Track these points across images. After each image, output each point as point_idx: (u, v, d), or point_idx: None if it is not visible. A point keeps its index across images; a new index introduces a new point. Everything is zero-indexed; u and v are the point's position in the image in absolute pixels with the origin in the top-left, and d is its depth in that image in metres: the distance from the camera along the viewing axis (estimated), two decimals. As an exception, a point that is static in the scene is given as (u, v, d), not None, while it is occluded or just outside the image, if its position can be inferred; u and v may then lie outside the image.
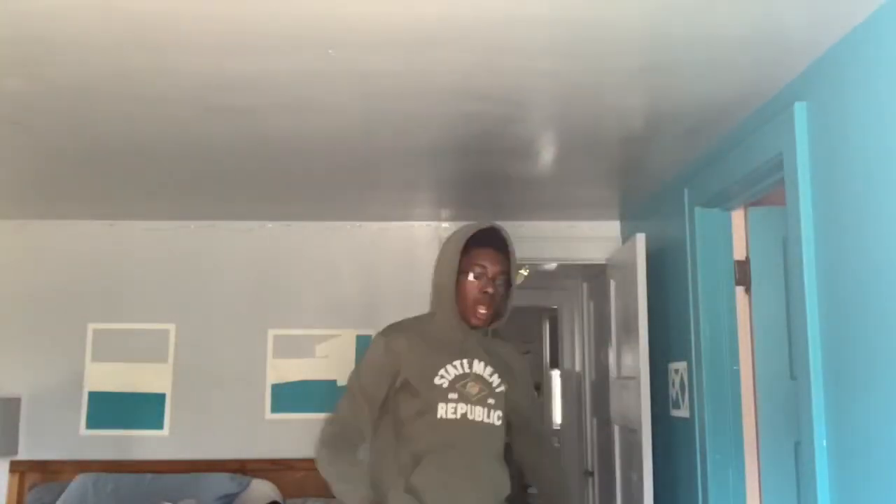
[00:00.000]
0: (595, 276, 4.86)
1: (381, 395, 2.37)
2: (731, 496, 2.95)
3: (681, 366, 3.30)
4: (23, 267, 4.48)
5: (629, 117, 2.80)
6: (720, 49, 2.19)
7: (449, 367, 2.34)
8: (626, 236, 4.18)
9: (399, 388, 2.35)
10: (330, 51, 2.21)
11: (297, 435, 4.31)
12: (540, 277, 5.98)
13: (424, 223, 4.55)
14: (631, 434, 3.64)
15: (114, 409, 4.38)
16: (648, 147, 3.14)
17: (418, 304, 4.52)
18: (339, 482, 2.34)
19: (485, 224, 2.39)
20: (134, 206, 4.24)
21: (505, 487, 2.39)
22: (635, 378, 3.53)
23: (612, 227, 4.49)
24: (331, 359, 4.43)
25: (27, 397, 4.36)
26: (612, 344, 4.08)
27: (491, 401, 2.35)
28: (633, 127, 2.90)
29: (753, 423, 2.95)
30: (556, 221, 4.45)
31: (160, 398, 4.39)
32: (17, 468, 4.29)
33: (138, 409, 4.37)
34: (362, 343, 4.43)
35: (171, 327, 4.45)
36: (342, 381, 4.40)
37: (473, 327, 2.38)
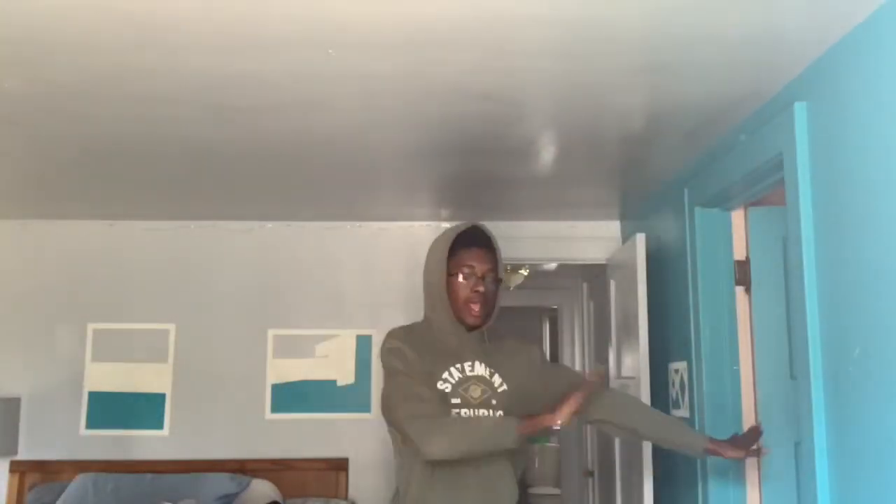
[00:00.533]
0: (595, 276, 4.87)
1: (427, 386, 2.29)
2: (731, 496, 2.95)
3: (681, 366, 3.30)
4: (23, 267, 4.48)
5: (629, 117, 2.80)
6: (720, 49, 2.19)
7: (452, 370, 2.33)
8: (626, 236, 4.18)
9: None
10: (330, 51, 2.21)
11: (297, 435, 4.32)
12: (540, 277, 5.99)
13: (424, 223, 4.55)
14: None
15: (114, 409, 4.38)
16: (648, 147, 3.14)
17: (418, 304, 4.52)
18: (476, 433, 2.24)
19: (466, 224, 2.41)
20: (134, 206, 4.24)
21: (515, 492, 2.36)
22: (635, 378, 3.53)
23: (612, 227, 4.49)
24: (331, 359, 4.43)
25: (27, 397, 4.36)
26: (612, 344, 4.08)
27: (493, 402, 2.33)
28: (633, 127, 2.90)
29: (753, 424, 2.95)
30: (556, 221, 4.45)
31: (160, 398, 4.39)
32: (17, 468, 4.29)
33: (138, 409, 4.38)
34: (362, 343, 4.43)
35: (171, 327, 4.45)
36: (342, 381, 4.41)
37: (470, 328, 2.38)
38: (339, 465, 4.31)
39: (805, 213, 2.26)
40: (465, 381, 2.33)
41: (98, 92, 2.53)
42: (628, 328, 3.70)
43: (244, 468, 4.23)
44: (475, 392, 2.32)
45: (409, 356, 2.33)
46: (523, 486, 4.60)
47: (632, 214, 4.24)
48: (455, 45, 2.17)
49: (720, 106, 2.63)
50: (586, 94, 2.54)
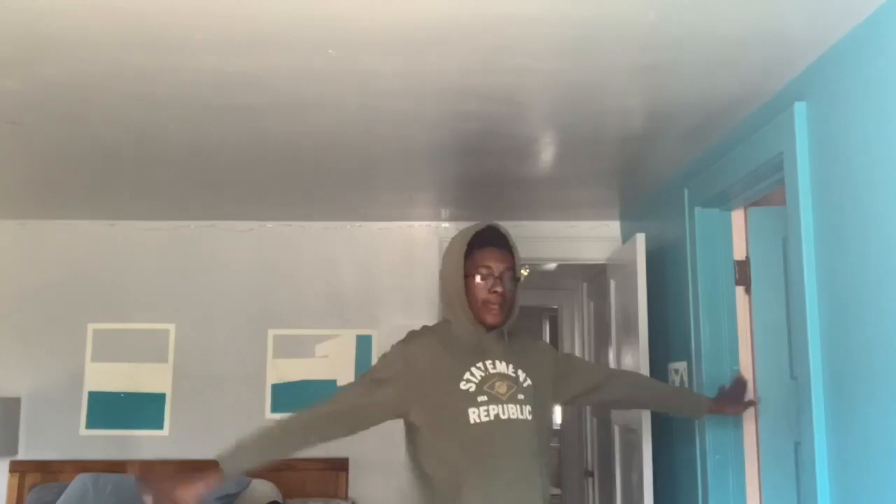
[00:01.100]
0: (595, 276, 4.87)
1: (382, 395, 2.33)
2: (731, 496, 2.95)
3: (681, 366, 3.30)
4: (23, 267, 4.48)
5: (629, 117, 2.80)
6: (720, 49, 2.19)
7: (473, 369, 2.31)
8: (626, 236, 4.18)
9: (416, 413, 2.31)
10: (330, 51, 2.21)
11: (297, 435, 4.31)
12: (540, 277, 5.98)
13: (424, 223, 4.55)
14: (631, 434, 3.64)
15: (114, 409, 4.38)
16: (648, 147, 3.14)
17: (418, 304, 4.54)
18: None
19: (482, 224, 2.39)
20: (134, 206, 4.24)
21: (548, 489, 2.35)
22: (635, 378, 3.53)
23: (612, 227, 4.49)
24: (331, 359, 4.43)
25: (27, 397, 4.36)
26: (612, 344, 4.08)
27: (521, 396, 2.32)
28: (633, 127, 2.90)
29: (753, 424, 2.95)
30: (556, 221, 4.45)
31: (160, 398, 4.39)
32: (17, 468, 4.29)
33: (138, 409, 4.38)
34: (362, 343, 4.43)
35: (171, 327, 4.46)
36: (342, 381, 4.40)
37: (490, 328, 2.36)
38: (339, 465, 4.31)
39: (805, 213, 2.26)
40: (490, 378, 2.31)
41: (98, 92, 2.53)
42: (628, 328, 3.70)
43: (244, 468, 4.22)
44: (501, 388, 2.30)
45: (412, 359, 2.33)
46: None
47: (632, 214, 4.24)
48: (455, 45, 2.17)
49: (720, 105, 2.63)
50: (586, 94, 2.54)
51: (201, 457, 4.28)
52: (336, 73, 2.38)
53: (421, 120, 2.80)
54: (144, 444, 4.35)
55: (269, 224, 4.56)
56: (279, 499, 4.09)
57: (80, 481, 4.04)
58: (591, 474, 5.08)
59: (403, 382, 2.31)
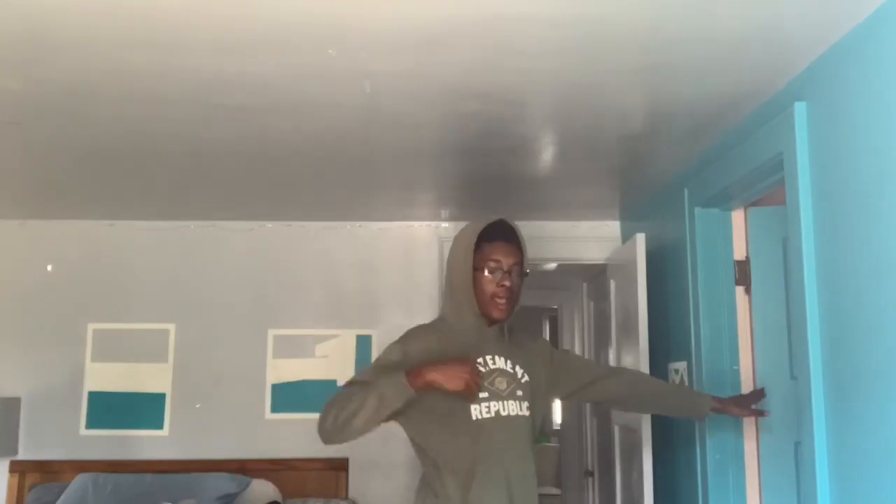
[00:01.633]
0: (595, 276, 4.87)
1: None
2: (731, 496, 2.95)
3: (681, 366, 3.30)
4: (23, 267, 4.48)
5: (629, 117, 2.80)
6: (720, 49, 2.19)
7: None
8: (626, 236, 4.18)
9: (417, 408, 2.27)
10: (330, 51, 2.21)
11: (297, 435, 4.31)
12: (540, 277, 5.98)
13: (424, 223, 4.55)
14: (631, 434, 3.64)
15: (114, 409, 4.38)
16: (648, 147, 3.14)
17: (418, 304, 4.55)
18: (363, 400, 2.24)
19: (492, 218, 2.38)
20: (134, 206, 4.24)
21: (536, 484, 2.38)
22: (635, 378, 3.53)
23: (612, 227, 4.49)
24: (331, 359, 4.43)
25: (27, 397, 4.36)
26: (612, 344, 4.08)
27: (519, 392, 2.33)
28: (633, 127, 2.90)
29: (753, 424, 2.95)
30: (556, 221, 4.45)
31: (160, 398, 4.39)
32: (17, 468, 4.29)
33: (138, 409, 4.38)
34: (362, 343, 4.43)
35: (171, 327, 4.46)
36: (342, 381, 4.39)
37: (493, 322, 2.36)
38: (339, 465, 4.31)
39: (805, 213, 2.26)
40: (490, 374, 2.31)
41: (98, 92, 2.53)
42: (628, 328, 3.70)
43: (244, 468, 4.23)
44: (501, 384, 2.31)
45: (413, 355, 2.29)
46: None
47: (632, 214, 4.24)
48: (455, 45, 2.17)
49: (720, 106, 2.63)
50: (586, 94, 2.54)
51: (201, 457, 4.29)
52: (336, 73, 2.38)
53: (421, 120, 2.80)
54: (144, 444, 4.35)
55: (269, 224, 4.56)
56: (279, 499, 4.10)
57: (80, 481, 4.04)
58: (591, 474, 5.08)
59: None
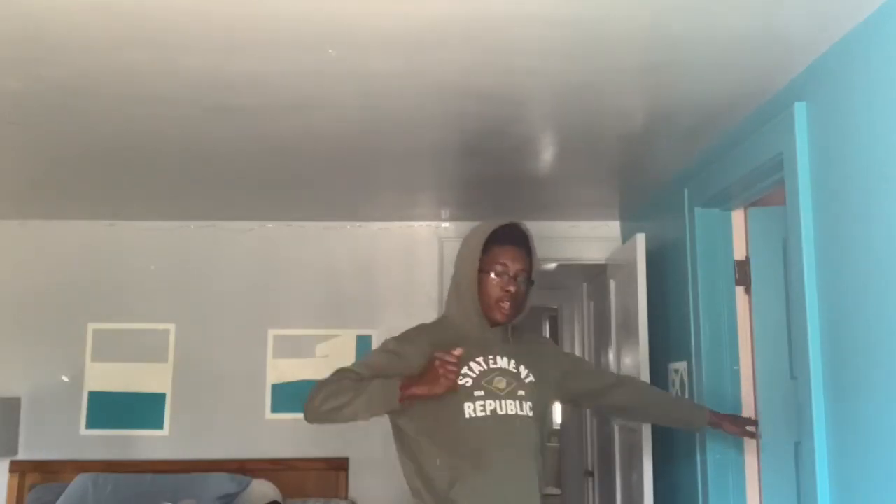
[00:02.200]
0: (595, 276, 4.86)
1: (405, 366, 2.26)
2: (731, 496, 2.95)
3: (681, 366, 3.30)
4: (23, 267, 4.48)
5: (629, 117, 2.80)
6: (720, 49, 2.19)
7: (472, 364, 2.28)
8: (626, 236, 4.18)
9: (419, 408, 2.23)
10: (330, 51, 2.21)
11: (297, 435, 4.32)
12: (540, 277, 5.97)
13: (424, 223, 4.55)
14: (631, 434, 3.64)
15: (114, 409, 4.38)
16: (648, 147, 3.14)
17: (418, 304, 4.55)
18: (353, 397, 2.16)
19: (504, 221, 2.36)
20: (134, 206, 4.24)
21: (540, 488, 2.30)
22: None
23: (612, 227, 4.49)
24: (331, 359, 4.43)
25: (27, 397, 4.36)
26: (612, 344, 4.08)
27: (521, 392, 2.29)
28: (633, 127, 2.90)
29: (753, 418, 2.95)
30: (556, 221, 4.45)
31: (160, 398, 4.40)
32: (17, 468, 4.29)
33: (138, 409, 4.38)
34: (362, 343, 4.43)
35: (171, 327, 4.46)
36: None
37: (495, 324, 2.34)
38: (339, 465, 4.31)
39: (805, 213, 2.26)
40: (489, 373, 2.28)
41: (98, 92, 2.53)
42: (628, 328, 3.70)
43: (244, 468, 4.23)
44: (500, 384, 2.28)
45: (407, 354, 2.28)
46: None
47: (632, 214, 4.24)
48: (455, 45, 2.17)
49: (720, 106, 2.63)
50: (586, 94, 2.54)
51: (201, 457, 4.29)
52: (336, 73, 2.38)
53: (421, 120, 2.80)
54: (144, 444, 4.35)
55: (269, 224, 4.56)
56: (279, 499, 4.10)
57: (80, 481, 4.04)
58: (591, 474, 5.08)
59: (396, 368, 2.25)
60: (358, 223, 4.56)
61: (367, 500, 4.30)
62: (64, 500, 3.98)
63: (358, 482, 4.32)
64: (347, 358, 4.41)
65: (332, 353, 4.43)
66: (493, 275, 2.31)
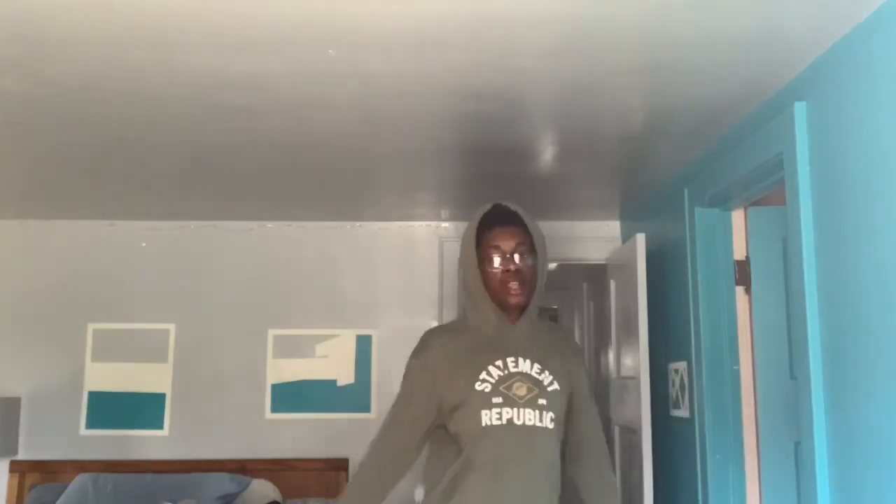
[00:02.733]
0: (595, 276, 4.87)
1: (429, 418, 2.17)
2: (731, 496, 2.95)
3: (681, 366, 3.30)
4: (23, 267, 4.48)
5: (629, 117, 2.80)
6: (720, 49, 2.19)
7: (491, 368, 2.13)
8: (626, 236, 4.18)
9: (443, 411, 2.15)
10: (330, 51, 2.21)
11: (297, 435, 4.32)
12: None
13: (424, 223, 4.55)
14: (631, 434, 3.64)
15: (114, 409, 4.38)
16: (648, 147, 3.14)
17: (418, 304, 4.55)
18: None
19: (487, 207, 2.22)
20: (134, 206, 4.24)
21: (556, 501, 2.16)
22: (635, 378, 3.53)
23: (612, 227, 4.49)
24: (331, 359, 4.43)
25: (27, 397, 4.36)
26: (612, 344, 4.08)
27: (542, 401, 2.12)
28: (633, 127, 2.90)
29: (753, 423, 2.95)
30: (556, 221, 4.44)
31: (160, 398, 4.39)
32: (17, 468, 4.29)
33: (138, 409, 4.38)
34: (362, 343, 4.43)
35: (171, 327, 4.45)
36: (342, 381, 4.42)
37: (513, 310, 2.18)
38: (339, 465, 4.31)
39: (805, 213, 2.26)
40: (509, 377, 2.13)
41: (98, 92, 2.53)
42: (628, 328, 3.70)
43: (244, 468, 4.23)
44: (520, 390, 2.12)
45: (431, 366, 2.17)
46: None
47: (632, 214, 4.24)
48: (455, 45, 2.17)
49: (720, 105, 2.63)
50: (586, 94, 2.54)
51: (201, 457, 4.29)
52: (336, 73, 2.38)
53: (421, 120, 2.80)
54: (144, 444, 4.35)
55: (269, 224, 4.56)
56: (279, 499, 4.09)
57: (80, 481, 4.04)
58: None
59: (429, 387, 2.16)
60: (358, 223, 4.56)
61: (367, 500, 4.29)
62: (64, 500, 3.97)
63: (358, 482, 4.31)
64: (347, 358, 4.42)
65: (332, 353, 4.44)
66: (491, 261, 2.17)
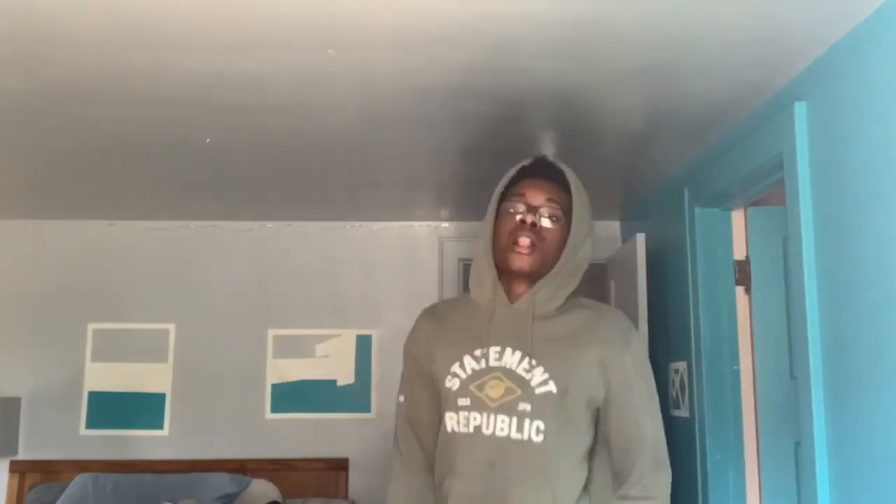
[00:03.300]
0: (595, 276, 4.86)
1: (431, 405, 1.84)
2: (731, 496, 2.95)
3: (681, 366, 3.30)
4: (23, 267, 4.48)
5: (629, 117, 2.80)
6: (720, 49, 2.19)
7: (467, 358, 1.75)
8: (626, 236, 4.18)
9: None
10: (330, 51, 2.20)
11: (297, 435, 4.32)
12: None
13: (424, 223, 4.55)
14: (631, 434, 3.63)
15: (114, 409, 4.37)
16: (648, 147, 3.14)
17: (418, 304, 4.53)
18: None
19: (530, 159, 1.84)
20: (134, 206, 4.24)
21: None
22: (635, 378, 3.52)
23: (612, 227, 4.49)
24: (331, 359, 4.43)
25: (27, 397, 4.36)
26: (612, 344, 4.07)
27: (524, 407, 1.68)
28: (633, 127, 2.90)
29: (753, 423, 2.95)
30: (556, 221, 4.45)
31: (160, 398, 4.39)
32: (17, 468, 4.28)
33: (138, 409, 4.37)
34: (362, 343, 4.43)
35: (171, 327, 4.45)
36: (342, 381, 4.42)
37: (517, 280, 1.76)
38: (339, 465, 4.31)
39: (805, 213, 2.26)
40: (484, 373, 1.72)
41: (98, 92, 2.53)
42: (628, 328, 3.69)
43: (244, 468, 4.23)
44: (494, 391, 1.69)
45: (419, 351, 1.88)
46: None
47: (632, 214, 4.24)
48: (455, 44, 2.16)
49: (720, 105, 2.63)
50: (586, 94, 2.54)
51: (201, 457, 4.29)
52: (336, 73, 2.37)
53: (421, 120, 2.80)
54: (144, 444, 4.35)
55: (269, 224, 4.56)
56: (279, 499, 4.09)
57: (80, 481, 4.04)
58: (591, 474, 5.07)
59: (416, 375, 1.91)
60: (358, 223, 4.56)
61: (367, 500, 4.29)
62: (64, 501, 3.97)
63: (358, 482, 4.31)
64: (347, 358, 4.42)
65: (332, 353, 4.44)
66: (509, 213, 1.78)
